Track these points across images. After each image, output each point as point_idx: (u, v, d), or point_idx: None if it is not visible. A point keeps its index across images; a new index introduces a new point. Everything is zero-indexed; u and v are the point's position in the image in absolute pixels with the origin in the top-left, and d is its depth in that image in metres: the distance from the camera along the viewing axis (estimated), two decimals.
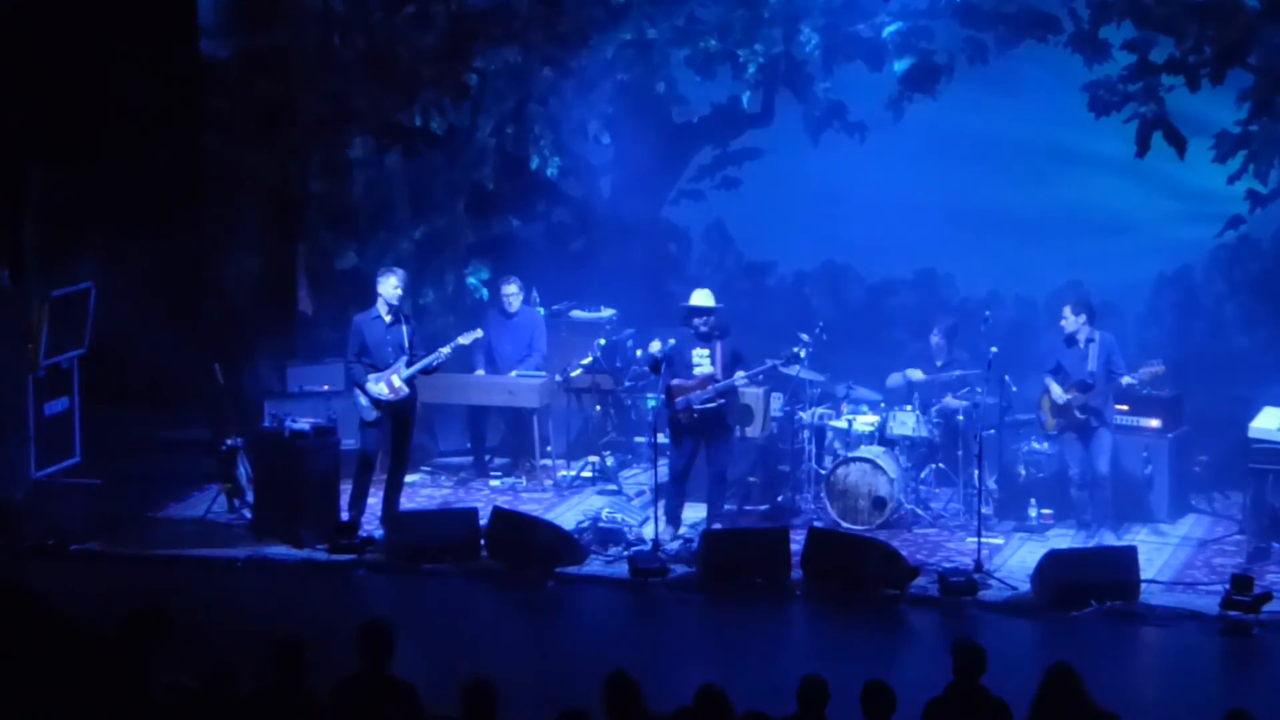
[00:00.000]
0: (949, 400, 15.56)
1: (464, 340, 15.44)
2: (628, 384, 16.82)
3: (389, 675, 8.93)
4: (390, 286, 14.91)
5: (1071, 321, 14.75)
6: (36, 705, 8.76)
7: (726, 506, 15.46)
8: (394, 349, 14.95)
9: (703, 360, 14.88)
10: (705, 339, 14.91)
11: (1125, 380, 14.62)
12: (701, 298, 15.03)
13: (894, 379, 16.10)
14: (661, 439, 14.92)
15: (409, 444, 15.33)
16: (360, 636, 9.00)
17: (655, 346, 15.23)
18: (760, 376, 15.31)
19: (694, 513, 15.10)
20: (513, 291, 16.75)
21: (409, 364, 14.92)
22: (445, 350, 15.10)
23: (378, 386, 14.89)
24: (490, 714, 8.33)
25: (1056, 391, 14.77)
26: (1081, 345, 14.76)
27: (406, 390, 14.96)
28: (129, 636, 9.05)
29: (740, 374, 14.82)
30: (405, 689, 8.85)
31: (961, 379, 15.63)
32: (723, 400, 14.81)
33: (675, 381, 14.81)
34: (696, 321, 14.91)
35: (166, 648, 9.07)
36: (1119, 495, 14.98)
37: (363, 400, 14.99)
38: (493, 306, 17.14)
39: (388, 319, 14.98)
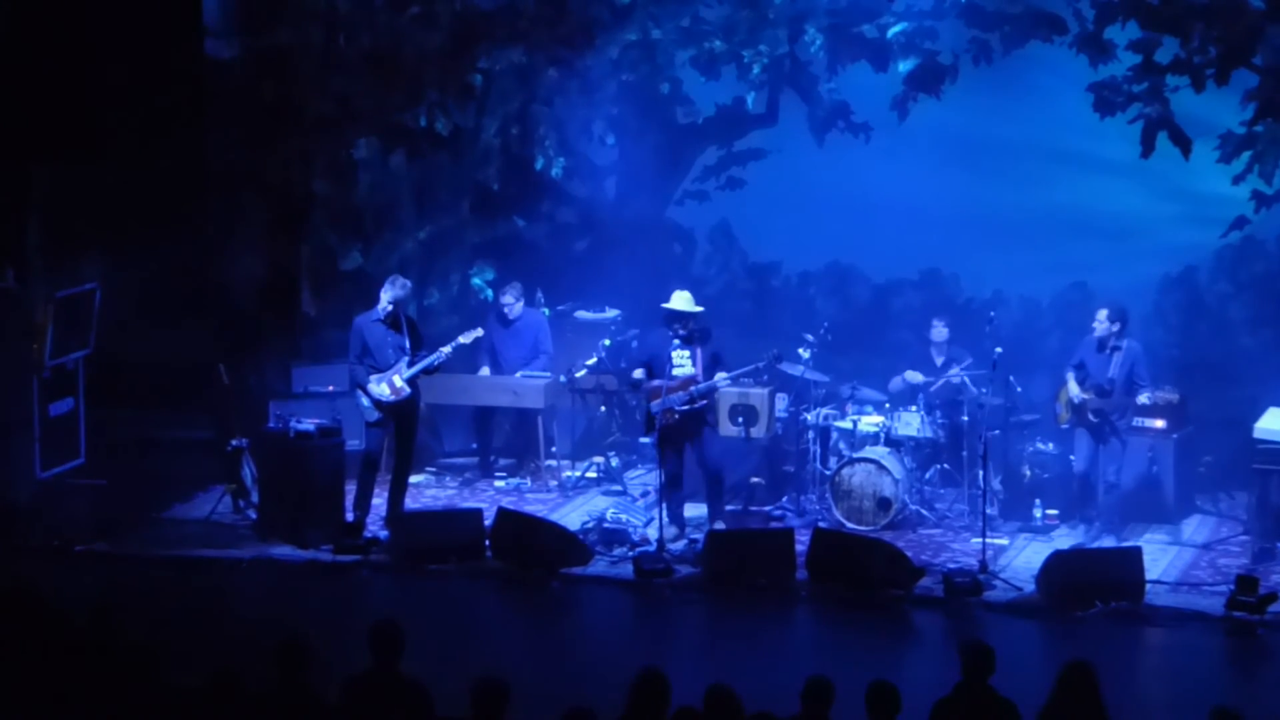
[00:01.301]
0: (951, 380, 15.56)
1: (464, 339, 15.42)
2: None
3: (400, 675, 8.93)
4: (385, 298, 14.90)
5: (1103, 325, 14.72)
6: (40, 706, 8.78)
7: (731, 507, 15.46)
8: (395, 350, 14.96)
9: (684, 362, 14.81)
10: (686, 341, 14.83)
11: (1141, 399, 14.59)
12: (682, 301, 14.88)
13: (894, 382, 16.10)
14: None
15: (412, 444, 15.33)
16: (371, 636, 9.00)
17: (639, 374, 15.06)
18: (744, 378, 15.26)
19: (697, 510, 15.11)
20: (509, 301, 16.71)
21: (410, 364, 14.93)
22: (446, 350, 15.09)
23: (379, 387, 14.90)
24: (499, 713, 8.33)
25: (1074, 389, 14.77)
26: (1108, 351, 14.75)
27: (408, 391, 14.97)
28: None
29: (722, 375, 14.77)
30: (416, 689, 8.85)
31: (963, 379, 15.61)
32: (704, 402, 14.78)
33: (655, 383, 14.75)
34: (676, 326, 14.82)
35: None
36: (1124, 496, 14.97)
37: (365, 401, 14.99)
38: (493, 312, 17.05)
39: (387, 322, 14.98)
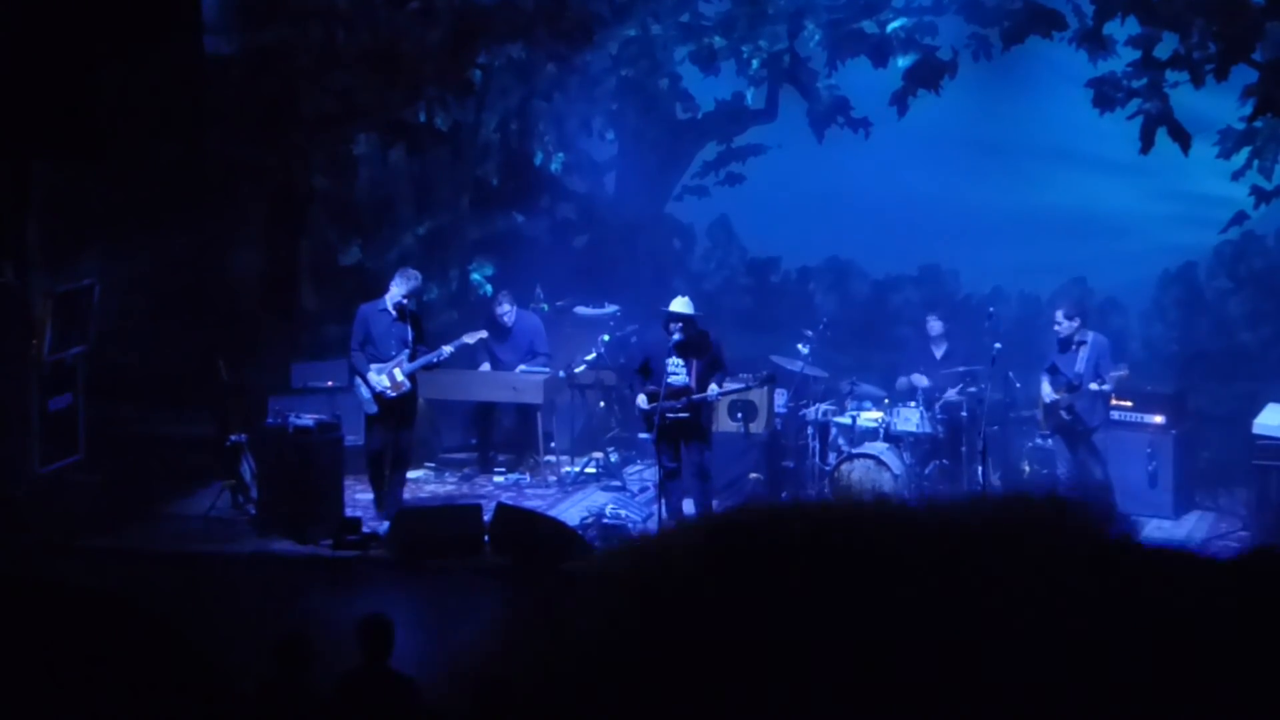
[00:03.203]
0: (951, 394, 15.55)
1: (469, 339, 15.43)
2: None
3: (389, 669, 8.94)
4: (395, 291, 14.95)
5: (1064, 325, 14.71)
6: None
7: (730, 503, 15.44)
8: (398, 342, 14.97)
9: (679, 371, 14.67)
10: (681, 350, 14.68)
11: (1092, 387, 14.57)
12: (680, 305, 14.77)
13: (900, 383, 16.07)
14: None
15: (410, 439, 15.34)
16: (359, 631, 9.02)
17: (642, 400, 14.99)
18: (734, 390, 15.21)
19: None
20: (506, 310, 16.70)
21: (411, 359, 14.94)
22: (448, 349, 15.11)
23: (379, 378, 14.91)
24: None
25: (1046, 391, 14.78)
26: (1074, 348, 14.73)
27: (407, 385, 14.98)
28: None
29: (713, 387, 14.64)
30: (405, 683, 8.87)
31: (965, 374, 15.61)
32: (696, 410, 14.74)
33: (650, 388, 14.66)
34: (672, 327, 14.70)
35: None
36: (1123, 492, 14.96)
37: (364, 392, 15.00)
38: (487, 319, 16.91)
39: (394, 313, 15.00)
